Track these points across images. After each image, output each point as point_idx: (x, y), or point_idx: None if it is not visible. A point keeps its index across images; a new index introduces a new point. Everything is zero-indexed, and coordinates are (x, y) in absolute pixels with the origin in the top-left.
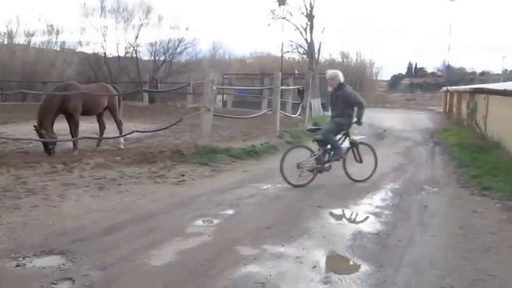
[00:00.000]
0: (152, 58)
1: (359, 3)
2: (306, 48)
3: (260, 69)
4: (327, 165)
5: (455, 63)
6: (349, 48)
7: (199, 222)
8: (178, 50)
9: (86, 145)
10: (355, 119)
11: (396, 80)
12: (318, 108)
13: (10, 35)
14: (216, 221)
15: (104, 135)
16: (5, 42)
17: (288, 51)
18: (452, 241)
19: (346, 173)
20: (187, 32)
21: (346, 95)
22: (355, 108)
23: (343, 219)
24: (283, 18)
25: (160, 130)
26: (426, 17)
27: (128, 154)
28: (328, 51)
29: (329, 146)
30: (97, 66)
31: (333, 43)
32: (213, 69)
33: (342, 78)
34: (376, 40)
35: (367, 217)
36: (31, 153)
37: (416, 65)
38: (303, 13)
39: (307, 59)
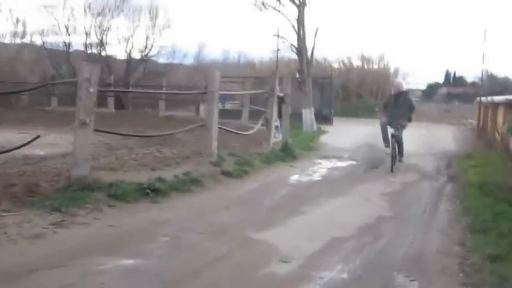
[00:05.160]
0: (126, 57)
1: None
2: (296, 45)
3: (271, 74)
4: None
5: (499, 72)
6: (373, 52)
7: None
8: (157, 48)
9: None
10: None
11: (432, 89)
12: (311, 121)
13: None
14: None
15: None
16: None
17: (278, 50)
18: None
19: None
20: (169, 29)
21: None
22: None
23: None
24: (273, 8)
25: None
26: (466, 21)
27: None
28: (347, 54)
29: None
30: (59, 64)
31: (354, 46)
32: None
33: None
34: (408, 44)
35: None
36: None
37: (455, 74)
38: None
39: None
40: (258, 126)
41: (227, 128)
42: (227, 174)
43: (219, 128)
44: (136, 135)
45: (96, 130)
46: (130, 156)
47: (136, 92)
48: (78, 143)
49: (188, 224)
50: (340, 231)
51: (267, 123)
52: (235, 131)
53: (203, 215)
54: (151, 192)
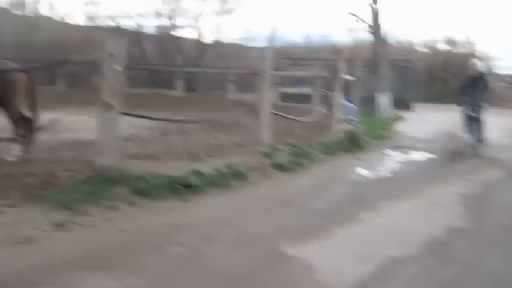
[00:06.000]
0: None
1: None
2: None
3: (351, 56)
4: None
5: None
6: (460, 35)
7: None
8: (229, 31)
9: None
10: None
11: None
12: (387, 107)
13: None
14: None
15: None
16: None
17: (354, 30)
18: None
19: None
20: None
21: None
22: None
23: None
24: None
25: None
26: None
27: None
28: (432, 37)
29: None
30: (130, 46)
31: (441, 29)
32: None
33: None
34: (499, 27)
35: None
36: None
37: None
38: None
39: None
40: (319, 112)
41: (281, 114)
42: (278, 167)
43: (275, 114)
44: (167, 120)
45: (123, 113)
46: (182, 143)
47: (187, 72)
48: (102, 128)
49: (214, 229)
50: (398, 249)
51: (331, 108)
52: (292, 117)
53: (236, 219)
54: (183, 187)
